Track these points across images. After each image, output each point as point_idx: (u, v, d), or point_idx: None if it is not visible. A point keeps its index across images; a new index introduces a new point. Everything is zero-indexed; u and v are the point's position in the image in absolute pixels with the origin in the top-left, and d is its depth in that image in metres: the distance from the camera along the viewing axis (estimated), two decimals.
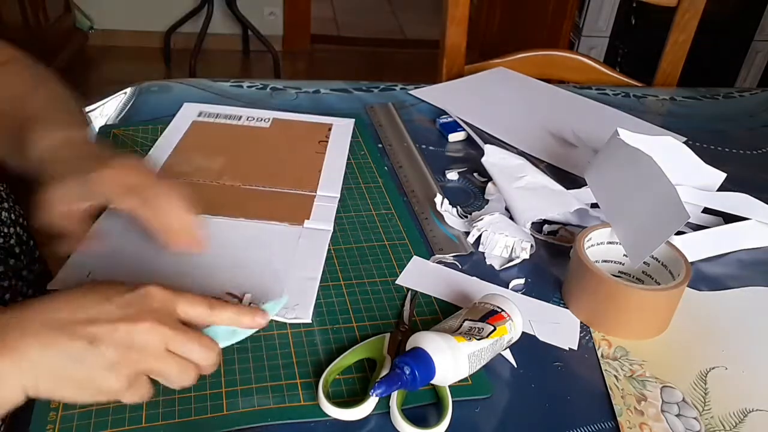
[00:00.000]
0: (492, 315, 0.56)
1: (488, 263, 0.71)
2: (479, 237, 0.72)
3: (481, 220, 0.72)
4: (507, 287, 0.68)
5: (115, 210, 0.62)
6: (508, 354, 0.59)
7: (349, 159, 0.85)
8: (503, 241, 0.71)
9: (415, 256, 0.70)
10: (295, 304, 0.61)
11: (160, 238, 0.61)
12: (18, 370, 0.45)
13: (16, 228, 0.74)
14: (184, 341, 0.48)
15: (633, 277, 0.69)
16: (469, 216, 0.76)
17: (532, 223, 0.75)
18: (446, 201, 0.75)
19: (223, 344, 0.52)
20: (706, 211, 0.80)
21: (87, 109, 0.92)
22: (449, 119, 0.95)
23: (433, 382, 0.53)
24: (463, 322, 0.56)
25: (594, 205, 0.77)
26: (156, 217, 0.60)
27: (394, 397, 0.52)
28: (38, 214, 0.59)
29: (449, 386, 0.54)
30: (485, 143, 0.84)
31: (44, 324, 0.46)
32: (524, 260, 0.71)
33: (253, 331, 0.53)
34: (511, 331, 0.57)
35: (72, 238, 0.61)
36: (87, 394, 0.47)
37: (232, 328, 0.52)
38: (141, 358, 0.47)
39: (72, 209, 0.60)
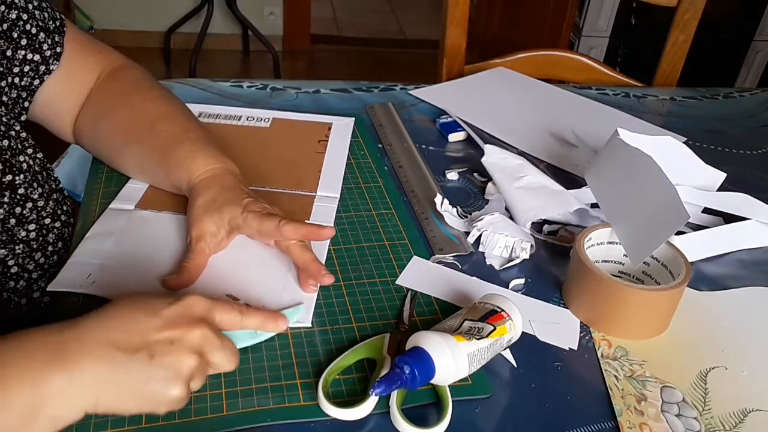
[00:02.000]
0: (492, 315, 0.56)
1: (488, 263, 0.71)
2: (479, 237, 0.72)
3: (481, 220, 0.72)
4: (507, 287, 0.68)
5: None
6: (508, 354, 0.59)
7: (349, 159, 0.85)
8: (503, 241, 0.71)
9: (415, 256, 0.70)
10: (297, 302, 0.62)
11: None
12: (78, 389, 0.45)
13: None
14: (222, 347, 0.50)
15: (633, 277, 0.69)
16: (469, 216, 0.76)
17: (532, 223, 0.75)
18: (446, 201, 0.75)
19: (241, 345, 0.54)
20: (706, 211, 0.80)
21: None
22: (449, 119, 0.95)
23: (432, 381, 0.53)
24: (463, 321, 0.56)
25: (594, 205, 0.77)
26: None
27: (394, 397, 0.52)
28: (194, 246, 0.64)
29: (449, 386, 0.54)
30: (485, 143, 0.84)
31: (102, 343, 0.46)
32: (524, 260, 0.71)
33: (272, 334, 0.58)
34: (510, 330, 0.57)
35: (195, 271, 0.63)
36: (148, 406, 0.48)
37: (253, 332, 0.56)
38: (196, 365, 0.48)
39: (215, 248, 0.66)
